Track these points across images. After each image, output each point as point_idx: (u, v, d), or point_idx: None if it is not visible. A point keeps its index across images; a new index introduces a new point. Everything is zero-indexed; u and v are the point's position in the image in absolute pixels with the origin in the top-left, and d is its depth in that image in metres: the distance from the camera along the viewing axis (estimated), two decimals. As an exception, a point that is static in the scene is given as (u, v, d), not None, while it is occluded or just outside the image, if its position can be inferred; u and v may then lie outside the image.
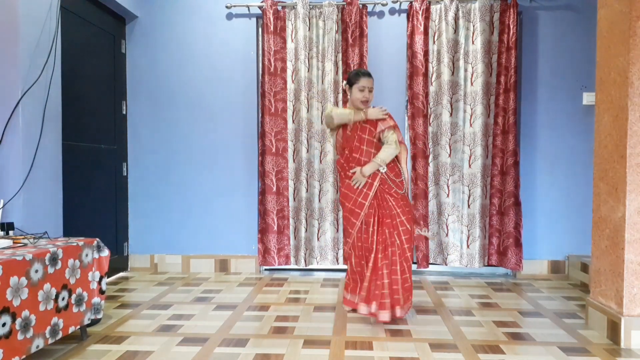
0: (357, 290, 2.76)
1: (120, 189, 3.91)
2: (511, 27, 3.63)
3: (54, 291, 2.09)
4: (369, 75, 2.79)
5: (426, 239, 3.74)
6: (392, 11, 3.86)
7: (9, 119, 2.53)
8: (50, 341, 2.06)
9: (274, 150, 3.84)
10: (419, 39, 3.70)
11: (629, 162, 2.32)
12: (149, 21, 3.97)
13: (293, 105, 3.84)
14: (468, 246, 3.76)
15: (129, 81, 3.99)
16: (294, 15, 3.80)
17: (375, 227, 2.72)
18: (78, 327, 2.28)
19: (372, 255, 2.68)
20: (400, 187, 2.78)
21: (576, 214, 3.76)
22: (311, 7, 3.80)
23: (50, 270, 2.07)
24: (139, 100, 3.99)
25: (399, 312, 2.64)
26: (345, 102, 3.77)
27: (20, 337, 1.88)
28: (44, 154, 2.72)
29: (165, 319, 2.75)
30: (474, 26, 3.70)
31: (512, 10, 3.64)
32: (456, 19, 3.71)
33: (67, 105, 3.11)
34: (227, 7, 3.87)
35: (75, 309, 2.24)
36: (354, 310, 2.81)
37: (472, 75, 3.71)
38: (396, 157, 2.84)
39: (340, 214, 3.79)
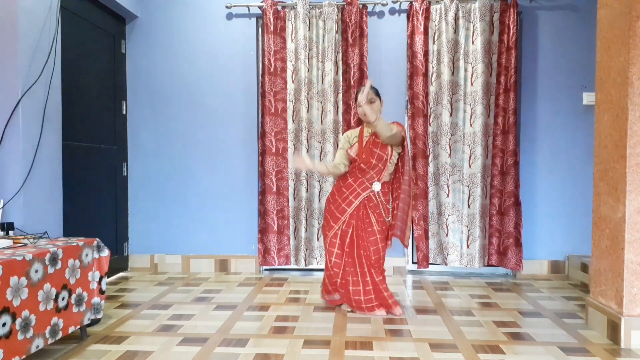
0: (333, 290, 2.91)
1: (120, 189, 3.91)
2: (511, 27, 3.63)
3: (54, 291, 2.09)
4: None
5: (426, 238, 3.75)
6: (392, 11, 3.86)
7: (9, 119, 2.53)
8: (50, 341, 2.06)
9: (274, 150, 3.84)
10: (419, 39, 3.70)
11: (629, 162, 2.32)
12: (149, 21, 3.97)
13: (293, 105, 3.84)
14: (468, 246, 3.76)
15: (129, 81, 3.99)
16: (294, 15, 3.80)
17: (353, 240, 2.81)
18: (78, 327, 2.28)
19: (343, 264, 2.83)
20: (387, 213, 2.84)
21: (576, 214, 3.76)
22: (311, 7, 3.80)
23: (50, 270, 2.07)
24: (139, 100, 3.99)
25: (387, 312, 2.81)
26: (348, 105, 3.78)
27: (20, 337, 1.88)
28: (44, 154, 2.72)
29: (165, 319, 2.75)
30: (474, 26, 3.70)
31: (512, 10, 3.64)
32: (456, 19, 3.71)
33: (67, 105, 3.11)
34: (227, 7, 3.87)
35: (75, 309, 2.24)
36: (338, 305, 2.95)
37: (472, 75, 3.71)
38: (392, 182, 2.90)
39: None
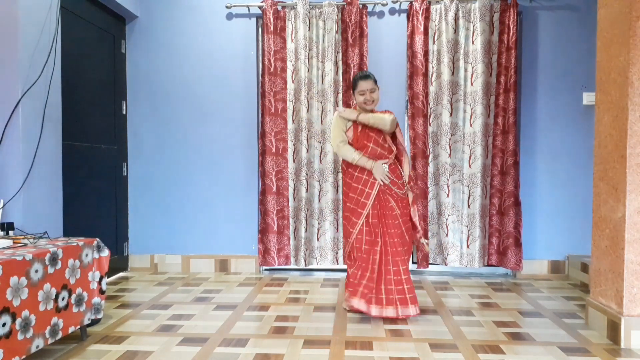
0: (362, 293, 2.72)
1: (120, 189, 3.91)
2: (511, 27, 3.63)
3: (54, 291, 2.09)
4: (366, 77, 2.81)
5: (426, 238, 3.75)
6: (392, 11, 3.86)
7: (9, 119, 2.53)
8: (50, 341, 2.06)
9: (274, 150, 3.83)
10: (419, 39, 3.70)
11: (629, 162, 2.32)
12: (149, 21, 3.97)
13: (293, 105, 3.84)
14: (468, 246, 3.76)
15: (129, 81, 3.99)
16: (294, 15, 3.80)
17: (380, 229, 2.75)
18: (78, 327, 2.28)
19: (378, 257, 2.72)
20: (400, 187, 2.82)
21: (576, 214, 3.76)
22: (311, 7, 3.80)
23: (50, 270, 2.07)
24: (139, 100, 3.99)
25: (402, 311, 2.69)
26: (348, 105, 3.77)
27: (20, 337, 1.88)
28: (44, 154, 2.72)
29: (165, 319, 2.75)
30: (474, 26, 3.70)
31: (512, 10, 3.64)
32: (456, 19, 3.71)
33: (67, 105, 3.11)
34: (227, 7, 3.87)
35: (75, 309, 2.24)
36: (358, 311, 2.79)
37: (472, 75, 3.71)
38: (398, 160, 2.89)
39: (340, 214, 3.79)
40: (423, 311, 2.88)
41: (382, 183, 2.76)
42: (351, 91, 3.68)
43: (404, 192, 2.83)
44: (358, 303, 2.72)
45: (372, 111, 2.84)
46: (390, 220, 2.75)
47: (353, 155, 2.79)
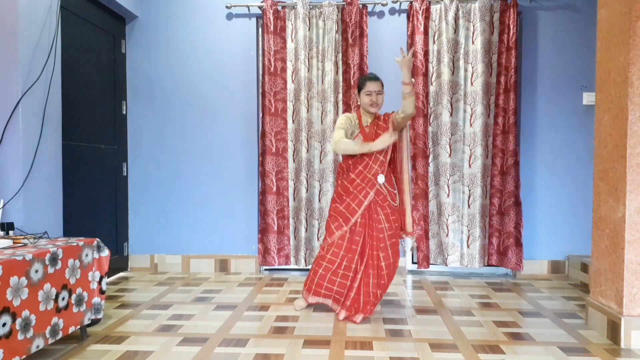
0: (320, 291, 2.80)
1: (120, 189, 3.91)
2: (511, 27, 3.63)
3: (54, 291, 2.09)
4: (375, 78, 2.79)
5: (426, 238, 3.74)
6: (392, 11, 3.86)
7: (9, 119, 2.53)
8: (50, 341, 2.06)
9: (274, 150, 3.84)
10: (419, 38, 3.70)
11: (629, 162, 2.32)
12: (149, 21, 3.97)
13: (293, 105, 3.84)
14: (468, 246, 3.76)
15: (129, 81, 3.99)
16: (294, 15, 3.80)
17: (364, 239, 2.75)
18: (78, 327, 2.28)
19: (360, 266, 2.74)
20: (394, 198, 2.80)
21: (576, 214, 3.76)
22: (311, 7, 3.80)
23: (50, 270, 2.07)
24: (139, 100, 3.99)
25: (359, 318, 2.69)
26: (348, 106, 3.77)
27: (20, 337, 1.88)
28: (44, 154, 2.72)
29: (165, 319, 2.75)
30: (474, 26, 3.70)
31: (512, 10, 3.64)
32: (456, 19, 3.71)
33: (67, 105, 3.11)
34: (227, 7, 3.87)
35: (75, 309, 2.24)
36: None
37: (472, 75, 3.71)
38: (392, 168, 2.84)
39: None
40: (424, 311, 2.88)
41: (384, 146, 2.68)
42: (352, 91, 3.68)
43: (396, 203, 2.80)
44: (312, 299, 2.82)
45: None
46: (375, 232, 2.73)
47: (354, 147, 2.70)
